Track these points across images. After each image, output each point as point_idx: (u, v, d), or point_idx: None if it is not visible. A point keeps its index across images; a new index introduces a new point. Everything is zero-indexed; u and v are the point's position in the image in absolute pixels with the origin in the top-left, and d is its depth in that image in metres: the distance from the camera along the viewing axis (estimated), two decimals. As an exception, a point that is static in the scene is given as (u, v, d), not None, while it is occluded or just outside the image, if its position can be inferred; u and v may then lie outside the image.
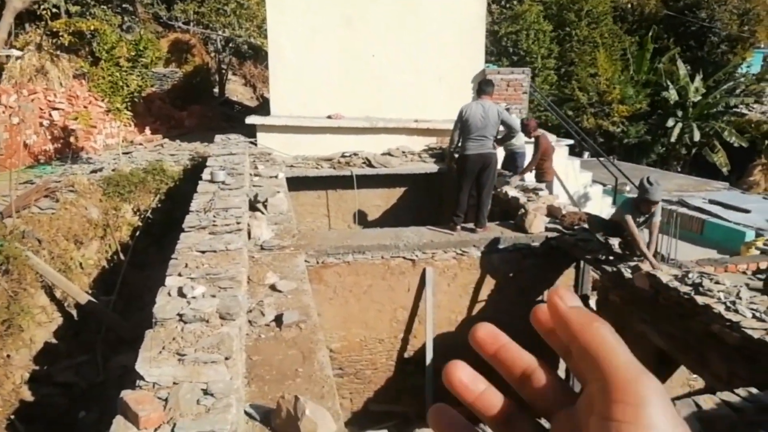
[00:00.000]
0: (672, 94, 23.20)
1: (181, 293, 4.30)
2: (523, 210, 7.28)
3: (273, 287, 5.30)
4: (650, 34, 24.29)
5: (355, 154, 9.98)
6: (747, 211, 15.44)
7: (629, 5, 28.52)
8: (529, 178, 9.20)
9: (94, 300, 7.06)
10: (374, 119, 10.32)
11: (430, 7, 10.25)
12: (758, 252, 7.55)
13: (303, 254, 6.32)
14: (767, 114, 26.56)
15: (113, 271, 8.05)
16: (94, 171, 9.35)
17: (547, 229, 7.12)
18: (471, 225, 7.23)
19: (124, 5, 13.08)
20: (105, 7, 12.02)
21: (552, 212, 7.50)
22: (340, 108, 10.28)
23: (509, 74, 10.68)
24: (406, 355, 7.17)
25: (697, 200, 16.45)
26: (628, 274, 5.78)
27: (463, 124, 6.89)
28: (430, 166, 9.83)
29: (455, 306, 7.06)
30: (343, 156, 9.98)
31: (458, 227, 7.14)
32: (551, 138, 10.69)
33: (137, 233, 8.78)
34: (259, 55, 19.08)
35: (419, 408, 7.17)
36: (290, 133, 10.20)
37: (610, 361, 0.40)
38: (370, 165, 9.65)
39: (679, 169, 24.27)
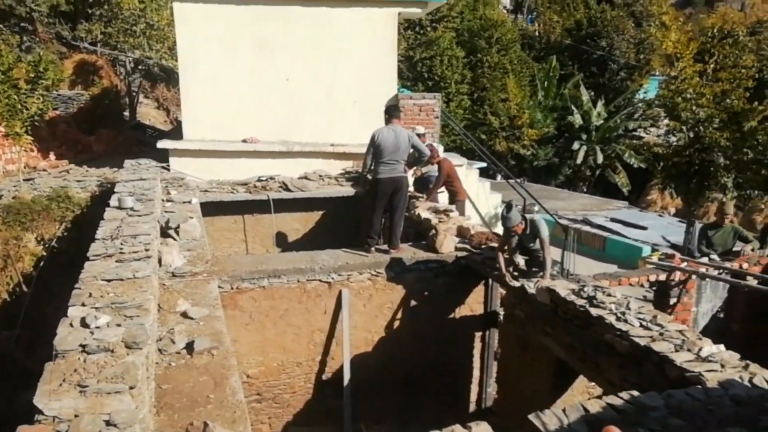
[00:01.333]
0: (577, 119, 24.61)
1: (84, 323, 4.17)
2: (434, 231, 7.53)
3: (184, 314, 5.23)
4: (556, 61, 25.72)
5: (272, 178, 9.99)
6: (644, 228, 16.56)
7: (536, 33, 30.12)
8: (442, 199, 9.55)
9: (-8, 335, 6.68)
10: (290, 143, 10.38)
11: (344, 32, 10.48)
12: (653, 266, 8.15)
13: (216, 280, 6.26)
14: (662, 137, 28.61)
15: (16, 304, 7.65)
16: (-8, 199, 8.88)
17: (457, 249, 7.40)
18: (384, 246, 7.41)
19: (22, 24, 12.48)
20: (1, 26, 11.44)
21: (462, 232, 7.80)
22: (255, 132, 10.28)
23: (421, 99, 11.04)
24: (324, 377, 7.21)
25: (600, 218, 17.48)
26: (531, 290, 6.09)
27: (375, 149, 7.10)
28: (347, 190, 9.97)
29: (371, 326, 7.19)
30: (259, 180, 9.96)
31: (372, 249, 7.30)
32: (463, 161, 11.14)
33: (42, 263, 8.38)
34: (171, 78, 18.68)
35: (338, 429, 7.22)
36: (204, 157, 10.09)
37: None
38: (287, 189, 9.67)
39: (585, 189, 25.68)
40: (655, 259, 8.65)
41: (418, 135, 9.36)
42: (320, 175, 10.40)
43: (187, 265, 6.43)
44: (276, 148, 10.27)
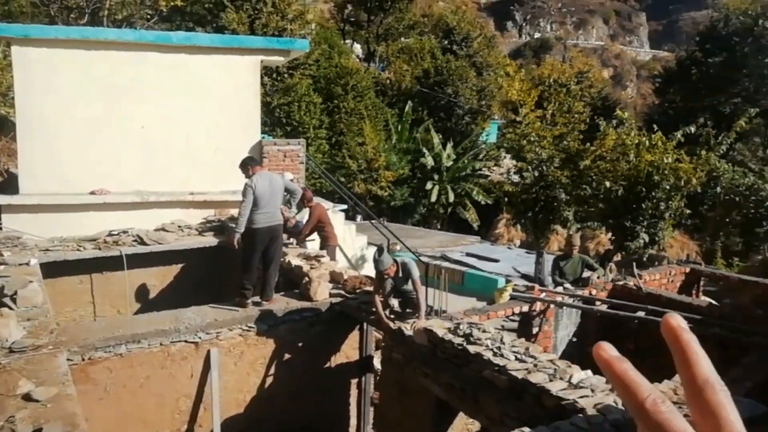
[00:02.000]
0: (429, 160, 25.83)
1: None
2: (307, 278, 7.35)
3: (27, 397, 4.55)
4: (408, 107, 27.00)
5: (125, 232, 9.23)
6: (497, 261, 17.57)
7: (388, 81, 31.41)
8: (312, 245, 9.40)
9: None
10: (145, 193, 9.71)
11: (204, 79, 10.14)
12: (508, 296, 8.57)
13: (64, 352, 5.57)
14: (504, 176, 30.89)
15: None
16: None
17: (331, 295, 7.26)
18: (257, 298, 7.08)
19: None
20: None
21: (335, 278, 7.69)
22: (106, 183, 9.51)
23: (285, 145, 10.92)
24: (193, 447, 6.63)
25: (456, 254, 18.29)
26: (408, 331, 6.10)
27: (255, 198, 6.80)
28: (209, 240, 9.48)
29: (243, 385, 6.77)
30: (110, 234, 9.15)
31: (249, 302, 6.96)
32: (328, 204, 11.12)
33: None
34: (4, 126, 16.88)
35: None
36: (45, 212, 9.10)
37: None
38: (142, 242, 8.97)
39: (439, 227, 26.85)
40: (509, 289, 9.13)
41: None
42: (179, 226, 9.80)
43: (27, 337, 5.65)
44: (129, 199, 9.55)
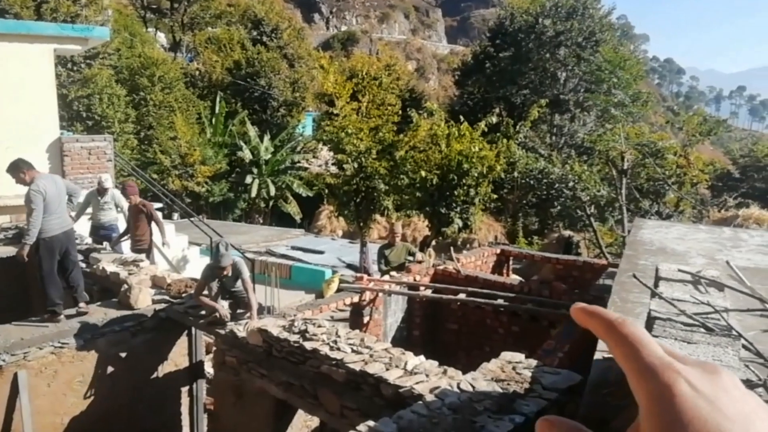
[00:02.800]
0: (246, 154, 25.29)
1: None
2: (126, 285, 6.86)
3: None
4: (220, 99, 26.08)
5: None
6: (322, 252, 17.82)
7: (198, 72, 30.06)
8: (126, 249, 8.75)
9: None
10: None
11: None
12: (336, 287, 8.78)
13: None
14: (323, 167, 31.40)
15: None
16: None
17: (154, 302, 6.86)
18: (71, 310, 6.45)
19: None
20: None
21: (157, 283, 7.28)
22: None
23: (90, 142, 9.99)
24: (0, 485, 5.87)
25: (282, 248, 18.20)
26: (241, 333, 5.98)
27: (46, 204, 6.18)
28: (8, 249, 8.39)
29: (59, 407, 6.14)
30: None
31: (62, 316, 6.35)
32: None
33: None
34: None
35: None
36: None
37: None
38: None
39: (262, 221, 26.49)
40: (336, 280, 9.38)
41: (101, 185, 8.55)
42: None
43: None
44: None
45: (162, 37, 38.04)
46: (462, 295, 7.63)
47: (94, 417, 6.35)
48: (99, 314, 6.52)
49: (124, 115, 20.68)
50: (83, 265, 7.89)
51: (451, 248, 9.70)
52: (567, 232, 20.70)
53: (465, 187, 12.42)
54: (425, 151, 13.01)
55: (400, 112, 14.23)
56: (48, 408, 6.06)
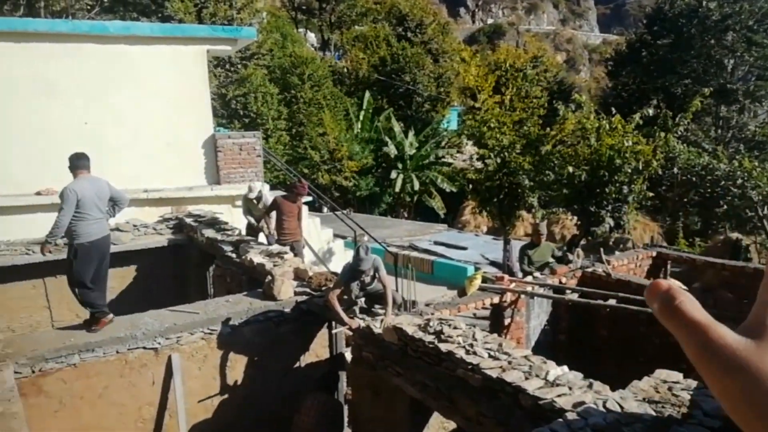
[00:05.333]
0: (392, 149, 25.63)
1: None
2: (270, 276, 7.07)
3: (-31, 419, 4.21)
4: (368, 95, 26.69)
5: (76, 234, 8.76)
6: (465, 248, 17.52)
7: (345, 69, 31.02)
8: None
9: None
10: (95, 192, 9.26)
11: (147, 71, 9.72)
12: (478, 284, 8.46)
13: (11, 365, 5.22)
14: (467, 162, 30.99)
15: None
16: None
17: (296, 294, 7.01)
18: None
19: None
20: None
21: (300, 275, 7.44)
22: (50, 182, 9.01)
23: (240, 138, 10.55)
24: (158, 457, 6.32)
25: (425, 243, 18.17)
26: (377, 329, 5.91)
27: (78, 207, 5.96)
28: (168, 239, 9.10)
29: (209, 390, 6.47)
30: (62, 237, 8.69)
31: (111, 315, 6.19)
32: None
33: None
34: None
35: None
36: (-13, 216, 8.61)
37: None
38: (95, 244, 8.54)
39: (406, 215, 26.73)
40: (479, 277, 9.06)
41: (253, 195, 8.85)
42: (134, 225, 9.40)
43: (-31, 352, 5.28)
44: (78, 198, 9.09)
45: (312, 37, 39.79)
46: (612, 301, 6.97)
47: (239, 400, 6.63)
48: (245, 303, 6.78)
49: (277, 113, 21.82)
50: (233, 255, 8.32)
51: (602, 249, 8.94)
52: (734, 235, 18.47)
53: (617, 184, 11.47)
54: (573, 145, 12.22)
55: (546, 105, 13.50)
56: (199, 390, 6.42)
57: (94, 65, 9.34)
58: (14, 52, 8.84)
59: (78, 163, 6.10)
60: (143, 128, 9.72)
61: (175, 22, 16.86)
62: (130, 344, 5.96)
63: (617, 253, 9.42)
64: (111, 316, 6.17)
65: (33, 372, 5.49)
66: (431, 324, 5.58)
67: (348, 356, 7.72)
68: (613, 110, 12.21)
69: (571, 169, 11.72)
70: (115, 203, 6.34)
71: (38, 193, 8.95)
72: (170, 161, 9.94)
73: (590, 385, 4.31)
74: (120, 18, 17.91)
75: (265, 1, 27.53)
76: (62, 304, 8.74)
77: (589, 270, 8.16)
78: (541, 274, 8.23)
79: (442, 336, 5.30)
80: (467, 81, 13.77)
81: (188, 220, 9.47)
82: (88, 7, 17.23)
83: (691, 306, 0.45)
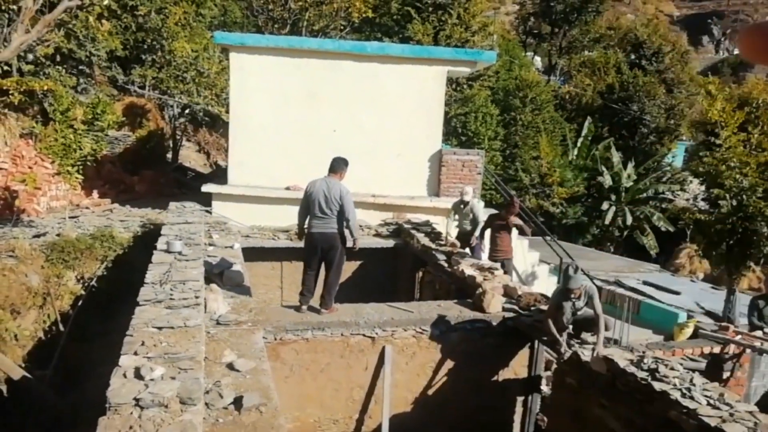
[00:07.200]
0: (607, 179, 24.51)
1: (138, 374, 4.07)
2: (480, 289, 7.37)
3: (230, 366, 5.10)
4: (589, 122, 25.88)
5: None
6: (677, 293, 16.14)
7: (568, 95, 30.40)
8: (485, 257, 9.40)
9: (28, 375, 6.58)
10: (331, 192, 10.42)
11: (392, 87, 10.66)
12: (690, 333, 7.87)
13: (261, 330, 6.15)
14: (690, 201, 28.36)
15: (51, 343, 7.57)
16: (36, 235, 8.92)
17: (504, 309, 7.22)
18: (317, 306, 6.88)
19: (80, 67, 12.97)
20: (60, 67, 11.85)
21: (508, 292, 7.64)
22: (298, 179, 10.33)
23: (465, 155, 11.07)
24: (359, 437, 6.96)
25: (632, 281, 17.09)
26: (584, 357, 5.88)
27: (307, 201, 6.65)
28: (386, 241, 9.89)
29: (413, 385, 6.96)
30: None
31: (304, 307, 6.82)
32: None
33: (80, 302, 8.33)
34: (215, 123, 19.08)
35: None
36: (247, 202, 10.14)
37: None
38: (326, 238, 9.62)
39: (612, 250, 25.32)
40: (691, 326, 8.40)
41: (463, 200, 9.21)
42: (360, 226, 10.34)
43: (231, 313, 6.35)
44: (317, 196, 10.31)
45: (538, 61, 39.57)
46: None
47: (438, 401, 7.01)
48: (455, 311, 7.17)
49: (494, 133, 22.17)
50: (444, 264, 8.78)
51: None
52: None
53: None
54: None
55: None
56: (404, 383, 6.93)
57: (349, 80, 10.53)
58: (289, 65, 10.35)
59: (331, 166, 6.84)
60: (379, 139, 10.69)
61: (413, 43, 18.12)
62: (353, 330, 6.68)
63: None
64: (304, 308, 6.83)
65: (275, 339, 6.42)
66: (645, 361, 5.43)
67: (545, 380, 7.74)
68: None
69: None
70: (345, 215, 6.59)
71: (287, 188, 10.31)
72: (397, 171, 10.78)
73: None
74: (366, 38, 19.73)
75: (498, 25, 28.11)
76: (292, 287, 9.96)
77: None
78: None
79: (657, 374, 5.14)
80: (710, 115, 12.79)
81: (406, 227, 10.20)
82: (342, 27, 19.24)
83: None
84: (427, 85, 10.70)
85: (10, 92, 10.68)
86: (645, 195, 25.25)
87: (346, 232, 6.68)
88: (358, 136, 10.55)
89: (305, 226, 6.79)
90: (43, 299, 7.92)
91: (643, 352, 5.82)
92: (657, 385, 4.98)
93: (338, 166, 6.77)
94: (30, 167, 10.79)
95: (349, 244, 6.83)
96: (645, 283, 17.05)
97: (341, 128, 10.50)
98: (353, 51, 10.70)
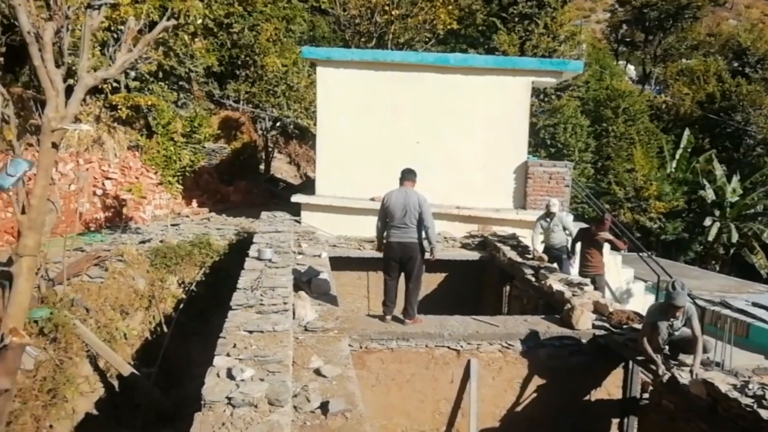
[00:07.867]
0: (709, 194, 23.16)
1: (230, 375, 4.25)
2: (569, 305, 7.14)
3: (317, 371, 5.20)
4: (687, 134, 24.62)
5: (396, 238, 10.02)
6: (793, 318, 14.90)
7: (664, 105, 29.05)
8: (574, 272, 9.11)
9: (136, 372, 7.02)
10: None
11: (476, 99, 10.60)
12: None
13: (347, 338, 6.24)
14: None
15: (155, 343, 8.04)
16: (142, 241, 9.54)
17: (594, 326, 6.95)
18: (401, 316, 6.86)
19: (180, 83, 13.83)
20: (163, 83, 12.69)
21: (599, 309, 7.35)
22: (383, 191, 10.42)
23: (551, 167, 10.81)
24: (446, 450, 6.88)
25: (740, 302, 15.93)
26: (683, 379, 5.55)
27: (385, 212, 6.67)
28: (471, 254, 9.79)
29: (500, 401, 6.82)
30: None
31: (388, 317, 6.82)
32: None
33: (181, 306, 8.82)
34: (305, 135, 19.72)
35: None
36: (334, 213, 10.38)
37: None
38: (411, 249, 9.66)
39: (717, 269, 23.82)
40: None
41: (549, 211, 8.98)
42: (444, 237, 10.32)
43: (318, 320, 6.48)
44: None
45: (631, 70, 38.09)
46: None
47: (525, 418, 6.83)
48: (542, 326, 6.97)
49: (585, 145, 21.52)
50: (532, 278, 8.57)
51: None
52: None
53: None
54: None
55: None
56: (490, 399, 6.80)
57: (432, 92, 10.58)
58: (373, 78, 10.55)
59: (401, 176, 6.89)
60: (462, 150, 10.64)
61: (499, 54, 17.96)
62: (438, 342, 6.65)
63: None
64: (388, 318, 6.86)
65: (361, 348, 6.51)
66: (750, 387, 5.05)
67: (641, 401, 7.35)
68: None
69: None
70: (423, 223, 6.61)
71: (372, 199, 10.45)
72: (482, 183, 10.68)
73: None
74: (451, 49, 19.74)
75: (587, 34, 27.34)
76: (378, 298, 10.04)
77: None
78: None
79: (764, 402, 4.77)
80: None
81: (492, 239, 10.06)
82: (426, 39, 19.39)
83: None
84: (512, 96, 10.56)
85: (119, 107, 11.51)
86: (753, 210, 23.64)
87: (425, 241, 6.67)
88: (441, 148, 10.56)
89: (383, 236, 6.85)
90: (149, 301, 8.44)
91: (749, 377, 5.43)
92: (764, 413, 4.63)
93: (410, 175, 6.84)
94: (137, 177, 11.58)
95: (427, 255, 6.80)
96: (755, 304, 15.85)
97: (424, 140, 10.54)
98: (436, 63, 10.73)
